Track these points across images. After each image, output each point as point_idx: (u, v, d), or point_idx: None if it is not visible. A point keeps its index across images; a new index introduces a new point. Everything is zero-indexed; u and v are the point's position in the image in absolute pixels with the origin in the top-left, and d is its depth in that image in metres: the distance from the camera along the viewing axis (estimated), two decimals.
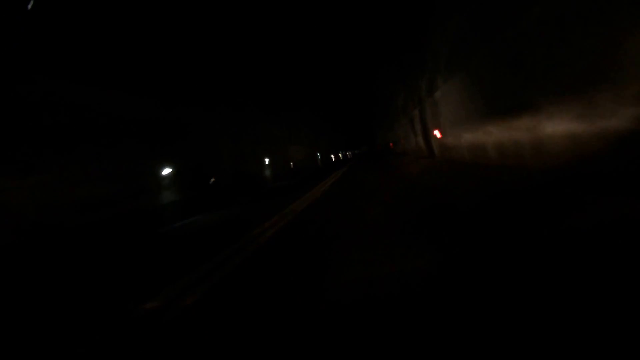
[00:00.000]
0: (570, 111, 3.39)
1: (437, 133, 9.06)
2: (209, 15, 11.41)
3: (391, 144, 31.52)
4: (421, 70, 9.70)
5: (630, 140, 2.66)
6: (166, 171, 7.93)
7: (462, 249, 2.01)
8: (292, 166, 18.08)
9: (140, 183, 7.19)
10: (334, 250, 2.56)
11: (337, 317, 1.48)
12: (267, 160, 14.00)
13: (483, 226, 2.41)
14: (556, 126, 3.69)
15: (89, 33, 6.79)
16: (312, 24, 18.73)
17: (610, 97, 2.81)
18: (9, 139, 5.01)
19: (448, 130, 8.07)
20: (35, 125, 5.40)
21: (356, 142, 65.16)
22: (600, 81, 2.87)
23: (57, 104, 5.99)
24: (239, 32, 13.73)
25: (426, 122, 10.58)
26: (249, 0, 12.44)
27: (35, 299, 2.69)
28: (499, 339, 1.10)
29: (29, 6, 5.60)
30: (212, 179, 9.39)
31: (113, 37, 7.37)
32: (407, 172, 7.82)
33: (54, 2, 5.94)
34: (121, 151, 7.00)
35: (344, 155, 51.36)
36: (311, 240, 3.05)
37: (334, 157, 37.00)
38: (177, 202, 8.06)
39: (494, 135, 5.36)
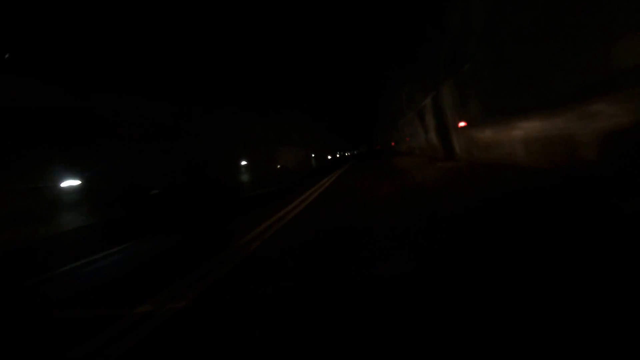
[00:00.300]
0: None
1: (463, 124, 6.54)
2: None
3: (392, 143, 29.04)
4: (438, 39, 7.18)
5: None
6: (70, 183, 5.40)
7: None
8: (279, 168, 15.59)
9: (16, 204, 4.66)
10: None
11: None
12: (244, 163, 11.47)
13: None
14: None
15: None
16: (301, 10, 16.25)
17: None
18: None
19: (484, 119, 5.55)
20: None
21: (355, 142, 62.94)
22: None
23: None
24: (219, 18, 11.18)
25: (444, 112, 8.05)
26: None
27: None
28: None
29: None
30: (155, 191, 6.87)
31: None
32: (421, 180, 5.31)
33: None
34: None
35: (342, 155, 48.90)
36: None
37: (331, 158, 34.47)
38: (90, 227, 5.53)
39: (607, 117, 2.83)
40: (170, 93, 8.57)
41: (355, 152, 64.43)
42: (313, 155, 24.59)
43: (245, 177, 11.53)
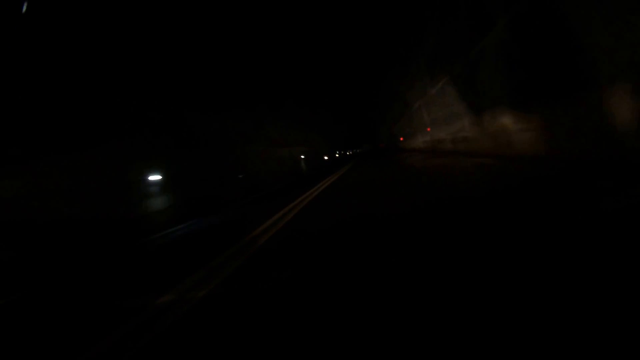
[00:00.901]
0: None
1: None
2: None
3: (401, 138, 24.02)
4: None
5: None
6: None
7: None
8: (241, 178, 10.75)
9: None
10: None
11: None
12: (155, 179, 6.60)
13: None
14: None
15: None
16: None
17: None
18: None
19: None
20: None
21: (357, 140, 58.76)
22: None
23: None
24: None
25: (580, 35, 3.07)
26: None
27: None
28: None
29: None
30: None
31: None
32: None
33: None
34: None
35: (343, 155, 44.19)
36: None
37: (329, 158, 29.61)
38: None
39: None
40: None
41: (357, 150, 60.18)
42: (303, 156, 19.69)
43: (160, 202, 6.66)
